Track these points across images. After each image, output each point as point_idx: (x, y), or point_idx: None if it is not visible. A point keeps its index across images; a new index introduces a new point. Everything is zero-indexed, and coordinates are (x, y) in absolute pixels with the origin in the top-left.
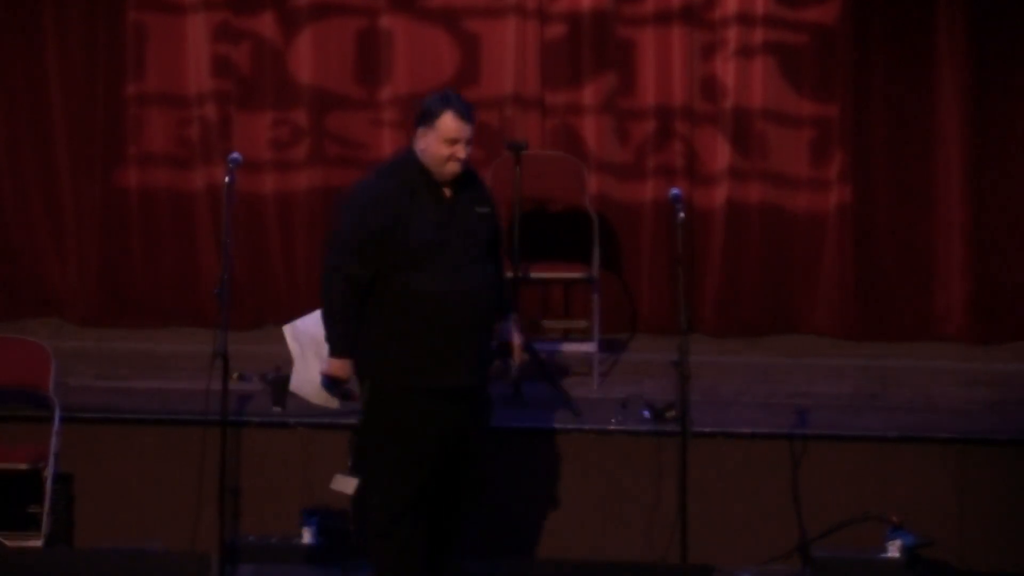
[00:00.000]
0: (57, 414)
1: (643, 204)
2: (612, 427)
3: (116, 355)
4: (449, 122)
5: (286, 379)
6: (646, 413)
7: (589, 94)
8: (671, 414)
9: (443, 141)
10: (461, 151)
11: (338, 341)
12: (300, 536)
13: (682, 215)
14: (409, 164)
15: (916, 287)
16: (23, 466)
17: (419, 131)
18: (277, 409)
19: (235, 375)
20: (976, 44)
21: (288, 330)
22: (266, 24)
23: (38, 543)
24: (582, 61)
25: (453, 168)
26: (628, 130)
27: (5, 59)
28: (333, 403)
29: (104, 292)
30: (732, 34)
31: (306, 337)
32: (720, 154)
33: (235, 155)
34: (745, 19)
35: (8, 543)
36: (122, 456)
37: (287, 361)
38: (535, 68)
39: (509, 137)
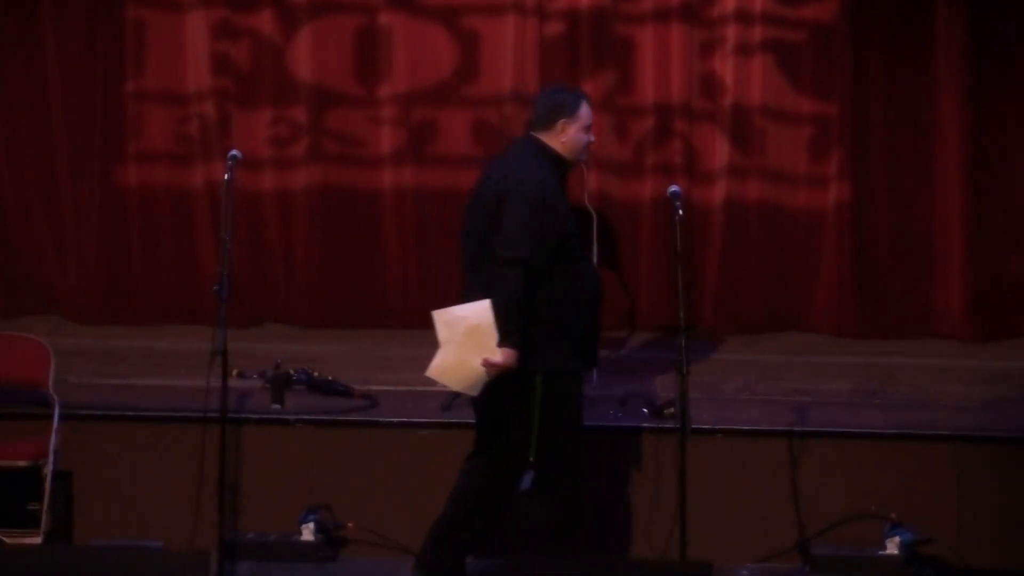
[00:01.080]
0: (56, 411)
1: (642, 201)
2: (611, 424)
3: (115, 352)
4: (587, 110)
5: (286, 376)
6: (645, 410)
7: (588, 91)
8: (670, 411)
9: (584, 129)
10: (593, 136)
11: (515, 332)
12: (299, 533)
13: (681, 212)
14: (548, 156)
15: (915, 284)
16: (23, 463)
17: (559, 124)
18: (276, 406)
19: (234, 372)
20: (975, 41)
21: (441, 315)
22: (265, 21)
23: (37, 540)
24: (581, 59)
25: (586, 155)
26: (627, 127)
27: (4, 57)
28: (475, 391)
29: (103, 289)
30: (731, 32)
31: (463, 324)
32: (719, 151)
33: (234, 152)
34: (744, 17)
35: (7, 540)
36: (121, 453)
37: (287, 358)
38: (534, 65)
39: (508, 134)
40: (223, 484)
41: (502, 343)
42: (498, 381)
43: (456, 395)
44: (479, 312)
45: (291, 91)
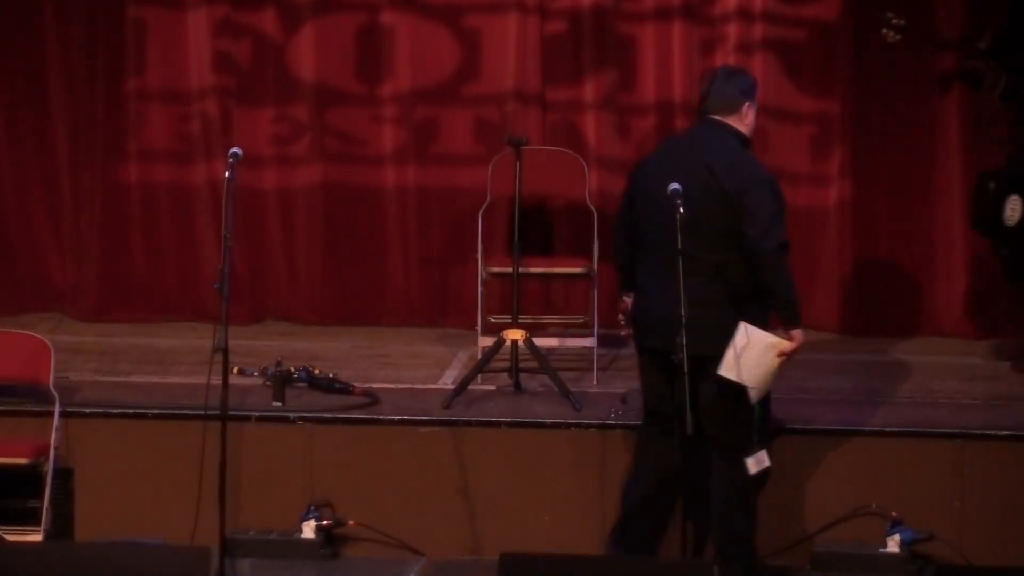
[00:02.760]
0: (57, 408)
1: None
2: (612, 421)
3: (116, 349)
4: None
5: (286, 373)
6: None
7: (590, 90)
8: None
9: (757, 112)
10: None
11: (799, 313)
12: (300, 531)
13: (682, 210)
14: (740, 140)
15: (916, 282)
16: (23, 460)
17: (743, 108)
18: (277, 404)
19: (235, 369)
20: (978, 37)
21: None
22: (267, 19)
23: (38, 538)
24: (583, 57)
25: None
26: (629, 126)
27: (6, 55)
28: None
29: (105, 287)
30: (732, 30)
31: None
32: None
33: (235, 150)
34: (745, 15)
35: (8, 538)
36: (122, 450)
37: (288, 355)
38: (536, 64)
39: (509, 132)
40: (224, 481)
41: (794, 325)
42: (708, 365)
43: (458, 392)
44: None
45: (293, 89)
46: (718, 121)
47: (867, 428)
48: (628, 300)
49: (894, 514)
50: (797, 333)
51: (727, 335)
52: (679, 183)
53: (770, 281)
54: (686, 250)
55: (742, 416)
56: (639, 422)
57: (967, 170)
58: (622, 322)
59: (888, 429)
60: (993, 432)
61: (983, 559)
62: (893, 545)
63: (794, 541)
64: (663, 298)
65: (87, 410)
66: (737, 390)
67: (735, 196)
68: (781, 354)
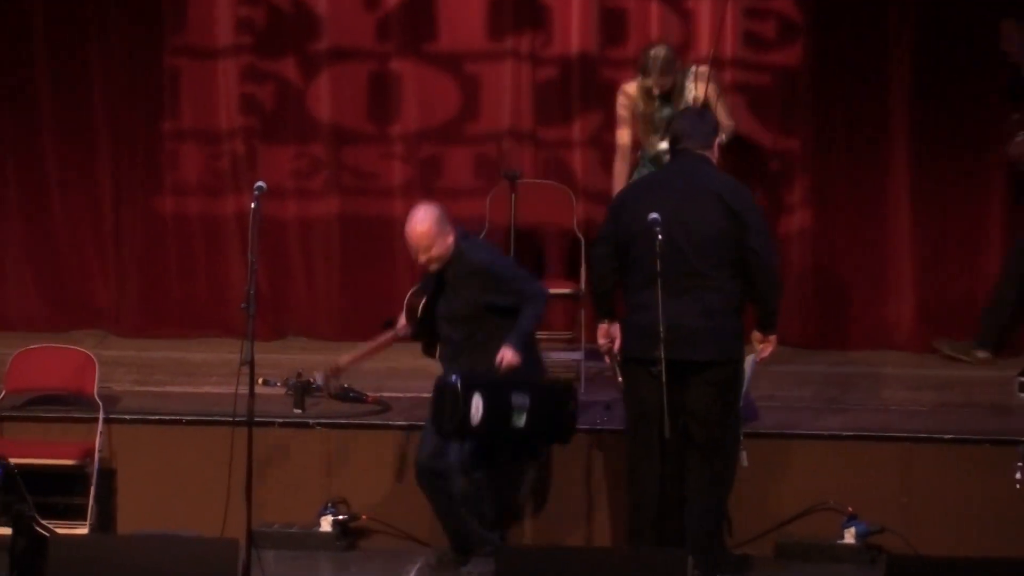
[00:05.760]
0: (101, 415)
1: None
2: (598, 427)
3: (154, 363)
4: None
5: (306, 383)
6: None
7: (577, 129)
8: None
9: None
10: None
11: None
12: (318, 525)
13: (660, 238)
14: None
15: (870, 301)
16: (71, 462)
17: (715, 143)
18: (298, 411)
19: (260, 380)
20: (923, 85)
21: None
22: (288, 67)
23: (84, 530)
24: (571, 100)
25: None
26: (612, 161)
27: (59, 105)
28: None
29: (143, 307)
30: None
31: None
32: None
33: (260, 184)
34: (716, 62)
35: (58, 530)
36: (159, 453)
37: (307, 367)
38: (529, 106)
39: (505, 167)
40: (250, 480)
41: (774, 332)
42: (711, 371)
43: None
44: None
45: (311, 129)
46: (701, 155)
47: (825, 432)
48: (611, 327)
49: (849, 509)
50: (774, 338)
51: (736, 343)
52: (686, 210)
53: (766, 292)
54: (697, 269)
55: (732, 421)
56: (625, 430)
57: (914, 200)
58: (608, 348)
59: (844, 433)
60: (938, 436)
61: (929, 549)
62: (849, 537)
63: (760, 533)
64: (680, 312)
65: (127, 417)
66: (732, 396)
67: (741, 215)
68: (762, 358)
